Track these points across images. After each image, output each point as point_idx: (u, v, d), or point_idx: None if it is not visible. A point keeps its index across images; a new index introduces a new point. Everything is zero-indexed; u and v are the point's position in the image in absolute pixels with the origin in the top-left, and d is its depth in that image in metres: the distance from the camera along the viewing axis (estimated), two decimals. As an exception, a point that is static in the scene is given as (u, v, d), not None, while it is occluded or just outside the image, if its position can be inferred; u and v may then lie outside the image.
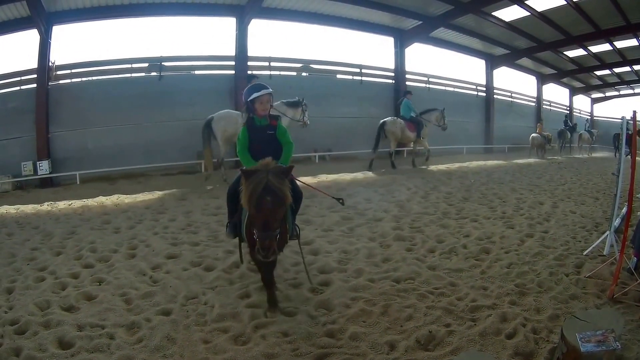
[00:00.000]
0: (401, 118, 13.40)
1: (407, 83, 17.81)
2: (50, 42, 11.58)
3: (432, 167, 13.59)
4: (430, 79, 19.30)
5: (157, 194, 9.12)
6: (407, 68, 17.95)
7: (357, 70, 16.81)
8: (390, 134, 13.04)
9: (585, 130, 23.16)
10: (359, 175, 11.51)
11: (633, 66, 22.45)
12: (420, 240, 5.81)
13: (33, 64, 11.48)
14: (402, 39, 17.39)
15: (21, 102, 11.39)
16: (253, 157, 3.83)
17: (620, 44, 19.11)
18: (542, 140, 18.89)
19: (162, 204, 8.18)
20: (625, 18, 15.38)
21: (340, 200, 4.47)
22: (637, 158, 4.45)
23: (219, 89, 13.66)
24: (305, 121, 11.39)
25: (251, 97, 3.89)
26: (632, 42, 18.33)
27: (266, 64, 14.36)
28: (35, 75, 11.46)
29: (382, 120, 13.30)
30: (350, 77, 16.75)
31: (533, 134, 19.29)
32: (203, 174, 11.25)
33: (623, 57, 21.08)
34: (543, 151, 19.01)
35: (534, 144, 19.05)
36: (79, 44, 12.59)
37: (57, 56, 11.79)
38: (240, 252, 4.22)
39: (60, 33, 11.99)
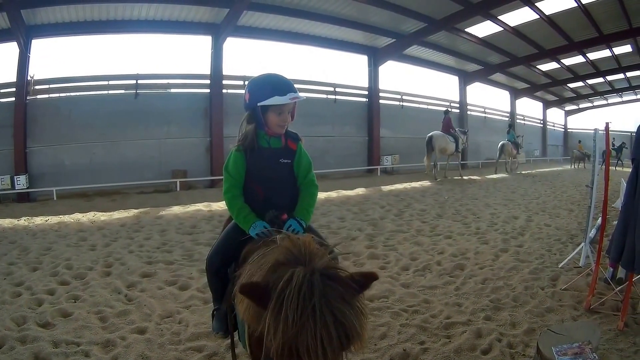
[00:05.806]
0: (508, 141, 19.34)
1: (381, 101, 18.05)
2: (29, 56, 11.60)
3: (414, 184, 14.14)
4: (404, 97, 19.55)
5: (133, 211, 9.02)
6: (381, 86, 18.16)
7: (331, 89, 16.93)
8: (506, 151, 19.09)
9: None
10: (332, 194, 11.40)
11: (606, 77, 23.16)
12: (394, 258, 5.76)
13: (12, 77, 11.48)
14: (376, 57, 17.62)
15: (-1, 116, 11.35)
16: (254, 206, 2.38)
17: (593, 56, 19.67)
18: (581, 155, 24.94)
19: (138, 222, 8.09)
20: (598, 30, 15.83)
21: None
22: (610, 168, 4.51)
23: (193, 108, 13.69)
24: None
25: (266, 102, 2.26)
26: (605, 53, 18.90)
27: (241, 82, 14.30)
28: (14, 89, 11.46)
29: (501, 143, 19.34)
30: (324, 95, 16.86)
31: (574, 150, 25.78)
32: (426, 172, 15.58)
33: (596, 69, 21.70)
34: (583, 163, 24.76)
35: (574, 158, 25.28)
36: (57, 59, 12.48)
37: (36, 70, 11.82)
38: (233, 353, 2.51)
39: (39, 47, 12.04)
